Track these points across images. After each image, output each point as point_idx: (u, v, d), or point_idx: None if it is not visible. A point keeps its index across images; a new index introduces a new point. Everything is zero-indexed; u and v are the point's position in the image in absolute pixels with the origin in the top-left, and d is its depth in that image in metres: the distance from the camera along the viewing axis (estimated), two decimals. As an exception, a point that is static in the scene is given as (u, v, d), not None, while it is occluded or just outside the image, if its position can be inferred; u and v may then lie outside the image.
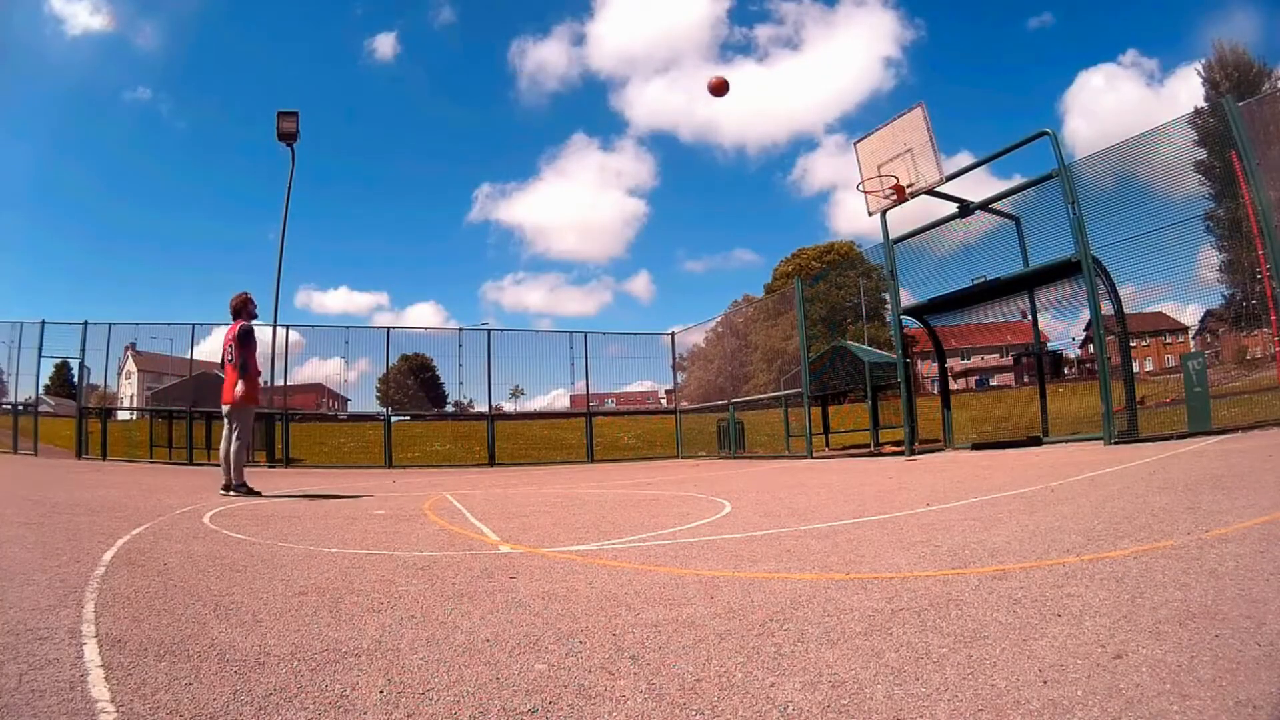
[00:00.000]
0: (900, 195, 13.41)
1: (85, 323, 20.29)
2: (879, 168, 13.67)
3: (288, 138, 22.37)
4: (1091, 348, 13.32)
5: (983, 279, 12.93)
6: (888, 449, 15.20)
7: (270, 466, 18.70)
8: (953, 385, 18.46)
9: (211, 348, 22.50)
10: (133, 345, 22.64)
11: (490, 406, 22.18)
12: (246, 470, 8.34)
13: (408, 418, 24.80)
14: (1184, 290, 11.18)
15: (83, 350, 20.19)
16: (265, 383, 22.13)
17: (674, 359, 24.63)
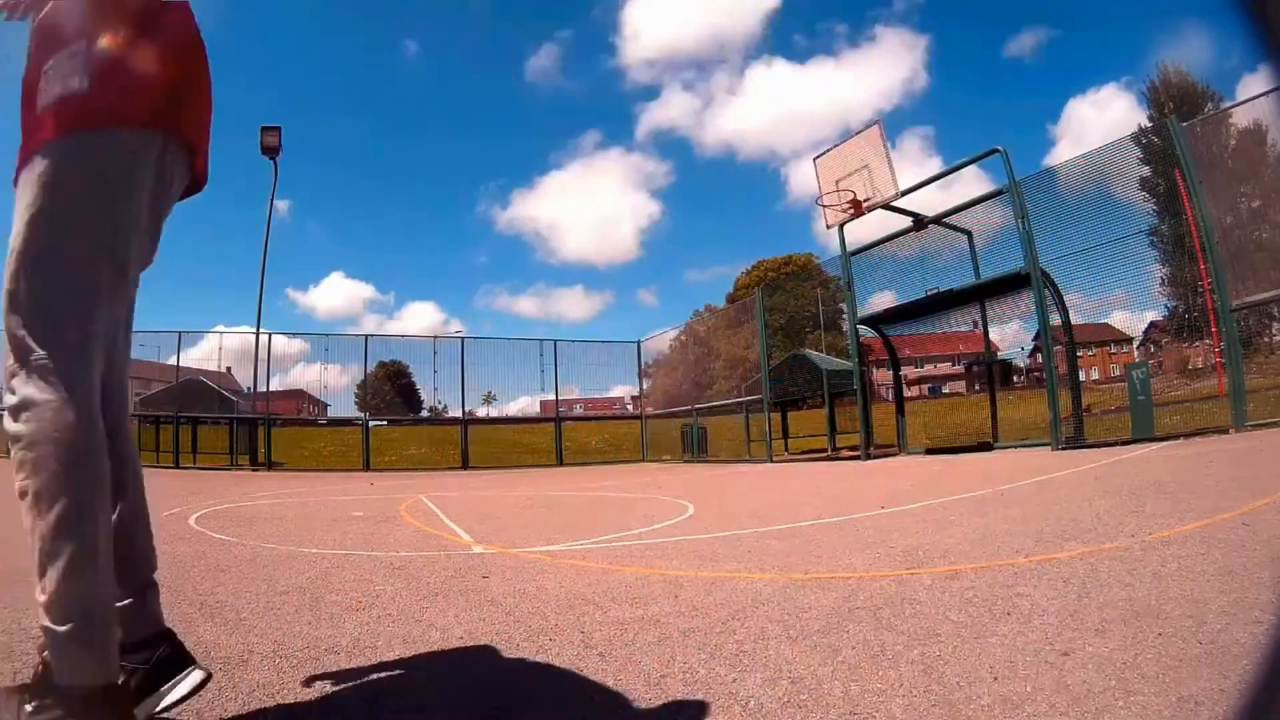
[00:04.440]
0: (857, 210, 13.67)
1: (76, 330, 20.47)
2: (837, 183, 13.92)
3: (270, 151, 22.41)
4: (1040, 357, 13.74)
5: (936, 290, 13.22)
6: (844, 454, 15.42)
7: (254, 470, 19.00)
8: (907, 392, 18.83)
9: (198, 355, 23.36)
10: (121, 352, 22.82)
11: (464, 412, 22.37)
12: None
13: (385, 422, 25.32)
14: (1133, 302, 11.64)
15: (73, 357, 20.38)
16: (248, 389, 22.16)
17: (640, 366, 24.85)
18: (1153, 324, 16.15)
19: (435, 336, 23.55)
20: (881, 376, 20.01)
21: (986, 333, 14.67)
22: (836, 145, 14.36)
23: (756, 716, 1.59)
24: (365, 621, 2.54)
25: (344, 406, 23.91)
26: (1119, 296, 11.47)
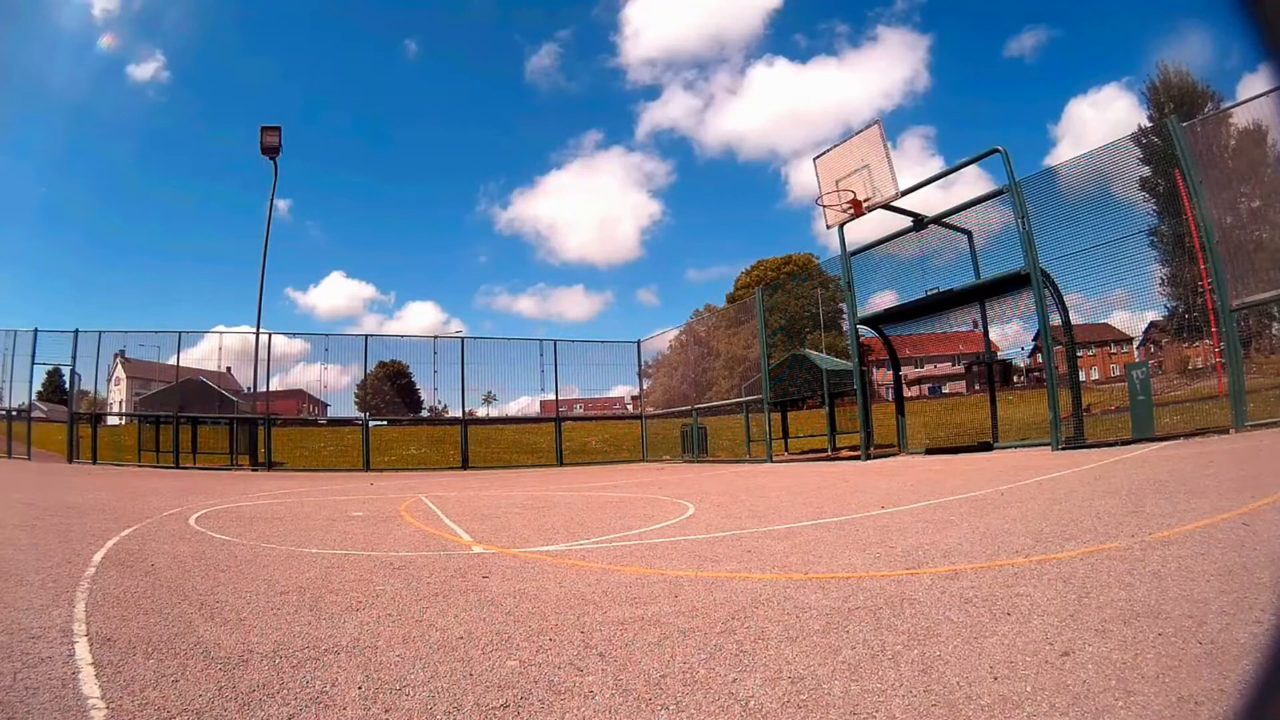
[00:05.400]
0: (857, 209, 13.65)
1: (76, 331, 20.59)
2: (837, 183, 13.91)
3: (271, 151, 22.51)
4: (1040, 357, 13.75)
5: (936, 290, 13.22)
6: (844, 453, 15.41)
7: (254, 470, 18.98)
8: (907, 392, 18.85)
9: (198, 355, 23.26)
10: (122, 352, 23.14)
11: (464, 412, 22.40)
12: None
13: (384, 422, 25.31)
14: (1133, 302, 11.64)
15: (74, 357, 20.57)
16: (248, 389, 22.28)
17: (639, 366, 24.89)
18: (1153, 324, 16.13)
19: (435, 336, 23.54)
20: (881, 376, 20.04)
21: (986, 333, 14.66)
22: (837, 145, 14.34)
23: (756, 716, 1.59)
24: (365, 621, 2.55)
25: (344, 406, 23.96)
26: (1119, 296, 11.47)
